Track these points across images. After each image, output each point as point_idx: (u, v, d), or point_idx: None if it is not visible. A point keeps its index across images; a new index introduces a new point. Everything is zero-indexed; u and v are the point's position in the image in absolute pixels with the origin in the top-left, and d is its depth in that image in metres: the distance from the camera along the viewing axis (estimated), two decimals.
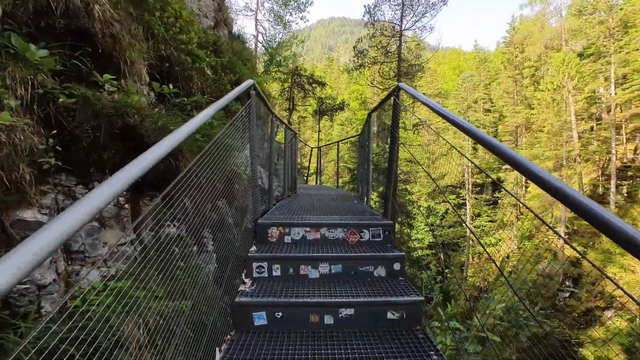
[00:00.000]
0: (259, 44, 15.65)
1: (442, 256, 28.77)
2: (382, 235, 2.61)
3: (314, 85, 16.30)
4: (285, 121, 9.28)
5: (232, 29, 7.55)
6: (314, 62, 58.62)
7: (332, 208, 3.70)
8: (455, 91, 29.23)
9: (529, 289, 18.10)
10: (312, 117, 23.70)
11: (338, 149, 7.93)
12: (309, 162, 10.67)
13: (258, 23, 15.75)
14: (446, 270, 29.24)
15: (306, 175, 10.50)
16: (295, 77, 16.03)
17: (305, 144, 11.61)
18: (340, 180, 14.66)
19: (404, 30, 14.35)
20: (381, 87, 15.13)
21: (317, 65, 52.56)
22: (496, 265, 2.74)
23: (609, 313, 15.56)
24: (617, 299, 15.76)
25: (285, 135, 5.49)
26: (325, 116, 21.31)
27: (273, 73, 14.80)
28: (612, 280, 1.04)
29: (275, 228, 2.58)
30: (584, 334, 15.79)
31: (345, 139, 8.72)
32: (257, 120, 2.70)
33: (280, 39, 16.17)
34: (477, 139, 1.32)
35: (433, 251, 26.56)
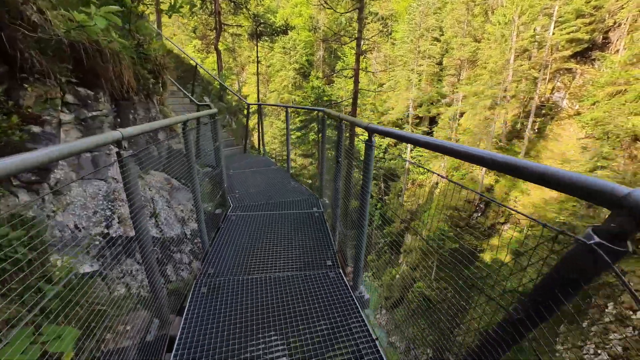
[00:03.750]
0: None
1: (381, 185, 31.66)
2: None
3: None
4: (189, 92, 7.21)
5: None
6: None
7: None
8: (408, 15, 27.24)
9: (451, 213, 21.46)
10: (248, 40, 19.72)
11: (287, 116, 5.78)
12: (247, 121, 8.37)
13: None
14: (385, 197, 32.81)
15: (244, 141, 8.38)
16: None
17: (240, 99, 8.97)
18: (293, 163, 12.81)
19: None
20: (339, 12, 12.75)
21: None
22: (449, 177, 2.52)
23: (505, 226, 19.80)
24: (513, 216, 19.90)
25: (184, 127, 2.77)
26: (265, 38, 17.84)
27: None
28: (509, 208, 1.24)
29: None
30: (486, 243, 20.20)
31: (296, 107, 6.51)
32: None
33: None
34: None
35: (375, 181, 28.73)
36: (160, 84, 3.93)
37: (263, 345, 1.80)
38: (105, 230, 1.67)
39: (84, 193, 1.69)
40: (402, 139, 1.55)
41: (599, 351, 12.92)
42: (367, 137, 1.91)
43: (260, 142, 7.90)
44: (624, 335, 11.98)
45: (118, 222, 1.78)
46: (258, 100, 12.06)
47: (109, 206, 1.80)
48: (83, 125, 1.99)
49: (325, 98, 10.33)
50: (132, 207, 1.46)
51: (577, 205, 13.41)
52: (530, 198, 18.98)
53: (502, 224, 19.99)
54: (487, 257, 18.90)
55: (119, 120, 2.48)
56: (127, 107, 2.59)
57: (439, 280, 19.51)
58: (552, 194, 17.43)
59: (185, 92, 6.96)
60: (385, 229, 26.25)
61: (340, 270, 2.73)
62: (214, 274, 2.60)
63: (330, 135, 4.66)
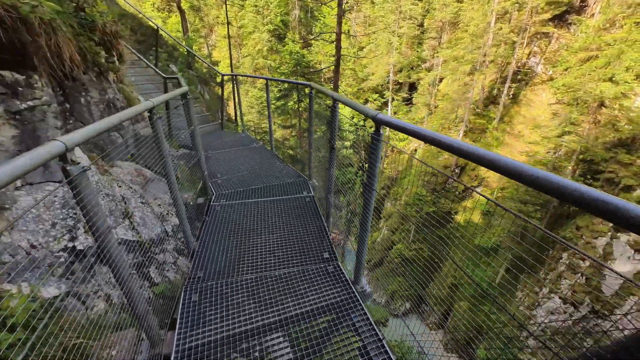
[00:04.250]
0: None
1: (362, 153, 31.82)
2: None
3: None
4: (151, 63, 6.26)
5: None
6: None
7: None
8: None
9: (429, 179, 22.21)
10: None
11: (268, 90, 5.31)
12: (222, 93, 7.42)
13: None
14: (365, 165, 33.17)
15: (221, 115, 7.49)
16: None
17: (212, 69, 7.63)
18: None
19: None
20: None
21: None
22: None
23: (478, 189, 20.94)
24: (485, 179, 21.00)
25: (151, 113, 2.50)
26: None
27: None
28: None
29: None
30: (459, 205, 21.42)
31: (278, 79, 5.61)
32: None
33: None
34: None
35: (355, 150, 28.76)
36: (116, 57, 3.33)
37: (266, 351, 1.75)
38: (70, 244, 1.46)
39: (34, 202, 1.44)
40: (415, 135, 1.33)
41: (552, 295, 14.69)
42: (372, 127, 1.74)
43: (239, 116, 7.25)
44: (574, 281, 13.65)
45: (85, 231, 1.57)
46: (231, 69, 11.08)
47: (71, 214, 1.56)
48: (18, 120, 1.65)
49: (304, 64, 9.65)
50: (92, 226, 1.17)
51: (544, 169, 14.23)
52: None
53: (476, 187, 21.12)
54: (460, 218, 20.18)
55: (67, 106, 2.10)
56: (75, 90, 2.18)
57: (416, 242, 20.78)
58: (522, 158, 18.38)
59: (147, 62, 6.14)
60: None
61: (339, 263, 2.64)
62: (204, 277, 2.40)
63: (318, 109, 4.41)
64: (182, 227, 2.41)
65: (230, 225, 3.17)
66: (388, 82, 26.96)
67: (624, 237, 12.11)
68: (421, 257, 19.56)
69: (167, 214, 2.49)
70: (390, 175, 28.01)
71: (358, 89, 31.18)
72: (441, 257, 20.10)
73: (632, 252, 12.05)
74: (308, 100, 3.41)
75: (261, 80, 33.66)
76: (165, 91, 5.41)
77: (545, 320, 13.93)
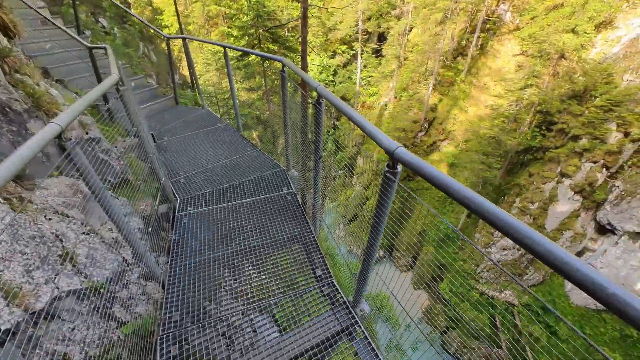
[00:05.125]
0: None
1: (333, 111, 31.02)
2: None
3: None
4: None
5: None
6: None
7: None
8: None
9: (399, 134, 22.58)
10: None
11: (227, 60, 4.30)
12: (170, 60, 5.76)
13: None
14: (336, 123, 32.73)
15: (172, 84, 6.06)
16: None
17: (156, 31, 5.70)
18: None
19: None
20: None
21: None
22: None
23: (445, 142, 21.90)
24: (451, 132, 21.86)
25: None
26: None
27: None
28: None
29: None
30: (427, 158, 22.47)
31: (240, 49, 4.15)
32: None
33: None
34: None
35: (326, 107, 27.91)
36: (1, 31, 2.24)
37: None
38: None
39: None
40: (440, 187, 1.08)
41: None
42: (388, 163, 1.35)
43: (196, 88, 5.99)
44: (523, 221, 15.57)
45: (8, 305, 1.19)
46: (180, 27, 9.29)
47: None
48: None
49: (265, 15, 8.44)
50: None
51: (505, 122, 15.03)
52: (467, 115, 20.71)
53: (442, 140, 22.03)
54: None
55: None
56: None
57: None
58: (487, 111, 19.16)
59: (60, 26, 4.24)
60: (338, 154, 27.11)
61: (335, 282, 2.35)
62: (180, 320, 2.00)
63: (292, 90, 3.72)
64: (144, 261, 1.93)
65: (203, 244, 2.67)
66: (357, 32, 25.36)
67: (567, 181, 13.72)
68: (392, 210, 20.82)
69: (123, 236, 2.01)
70: (362, 133, 28.00)
71: (325, 40, 29.10)
72: (411, 208, 21.55)
73: (572, 193, 13.81)
74: (280, 80, 2.79)
75: (220, 29, 29.74)
76: (94, 65, 4.10)
77: (498, 257, 16.11)
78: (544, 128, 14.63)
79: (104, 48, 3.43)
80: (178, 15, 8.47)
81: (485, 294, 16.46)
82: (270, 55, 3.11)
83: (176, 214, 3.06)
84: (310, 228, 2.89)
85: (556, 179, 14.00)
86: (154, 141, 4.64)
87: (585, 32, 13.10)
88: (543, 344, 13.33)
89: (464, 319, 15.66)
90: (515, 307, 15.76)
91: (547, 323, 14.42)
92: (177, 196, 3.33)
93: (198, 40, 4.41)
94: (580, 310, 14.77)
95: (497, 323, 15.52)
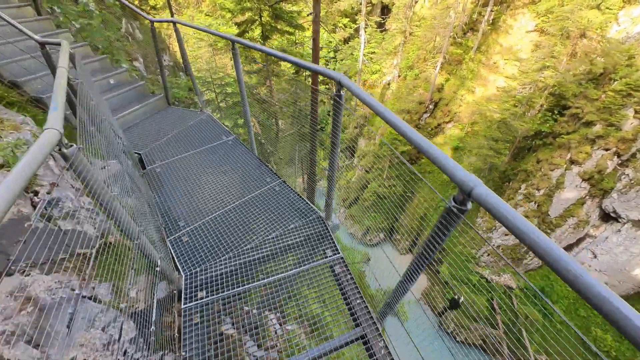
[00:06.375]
0: None
1: (334, 89, 29.77)
2: None
3: None
4: None
5: None
6: None
7: None
8: None
9: (403, 117, 21.82)
10: None
11: (237, 58, 2.98)
12: (157, 50, 4.48)
13: None
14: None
15: (163, 84, 4.94)
16: None
17: (137, 12, 4.30)
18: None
19: None
20: None
21: None
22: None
23: (450, 125, 21.25)
24: (457, 114, 21.16)
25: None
26: None
27: None
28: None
29: None
30: (432, 141, 21.88)
31: (263, 49, 2.59)
32: None
33: None
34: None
35: (327, 86, 26.73)
36: None
37: None
38: None
39: None
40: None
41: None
42: (456, 197, 1.15)
43: (191, 81, 4.70)
44: (527, 208, 15.46)
45: None
46: (170, 10, 7.91)
47: None
48: None
49: None
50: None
51: (517, 106, 14.39)
52: (474, 96, 19.90)
53: (447, 123, 21.36)
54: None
55: None
56: None
57: (389, 178, 21.57)
58: (495, 93, 18.36)
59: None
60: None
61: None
62: None
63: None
64: None
65: None
66: (360, 4, 23.65)
67: (576, 168, 13.41)
68: (394, 193, 20.65)
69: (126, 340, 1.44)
70: (364, 114, 27.11)
71: (326, 12, 27.24)
72: (413, 192, 21.37)
73: (580, 181, 13.57)
74: (332, 106, 2.04)
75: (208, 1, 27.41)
76: (49, 65, 2.61)
77: (499, 242, 16.18)
78: (556, 112, 14.05)
79: (58, 44, 2.14)
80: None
81: (485, 277, 16.73)
82: (323, 69, 1.96)
83: (183, 305, 2.04)
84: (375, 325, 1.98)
85: (565, 166, 13.69)
86: (142, 167, 3.70)
87: (608, 8, 12.15)
88: (538, 327, 13.74)
89: (463, 301, 16.06)
90: (514, 290, 16.10)
91: (542, 306, 14.80)
92: (182, 270, 2.33)
93: (193, 28, 3.36)
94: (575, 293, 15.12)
95: (495, 305, 15.92)
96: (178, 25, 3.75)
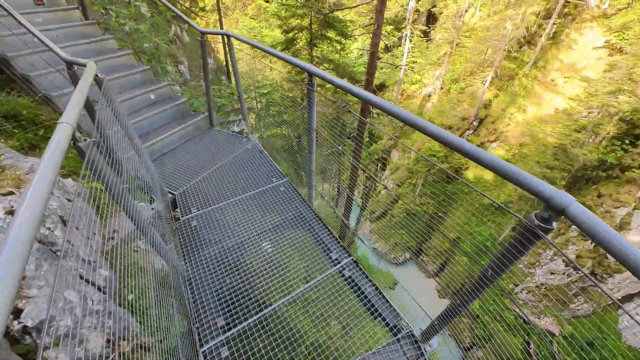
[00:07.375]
0: None
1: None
2: None
3: None
4: None
5: None
6: None
7: None
8: None
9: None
10: None
11: (312, 95, 2.21)
12: (205, 67, 4.03)
13: None
14: (374, 112, 30.87)
15: (208, 103, 4.31)
16: None
17: (190, 24, 3.66)
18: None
19: None
20: None
21: None
22: None
23: (494, 144, 19.66)
24: (503, 133, 19.53)
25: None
26: None
27: None
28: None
29: None
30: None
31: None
32: None
33: None
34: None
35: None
36: None
37: None
38: None
39: None
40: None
41: (555, 257, 14.93)
42: (539, 215, 0.79)
43: (239, 100, 4.03)
44: (582, 247, 13.68)
45: None
46: (221, 23, 7.76)
47: None
48: None
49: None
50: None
51: (581, 132, 12.82)
52: (526, 115, 18.23)
53: (492, 142, 19.79)
54: (470, 174, 19.42)
55: None
56: None
57: (422, 196, 20.41)
58: (551, 114, 16.64)
59: (18, 17, 2.38)
60: (371, 146, 25.56)
61: None
62: None
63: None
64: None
65: None
66: (407, 11, 22.81)
67: None
68: (425, 212, 19.47)
69: None
70: (398, 125, 26.12)
71: (370, 18, 26.68)
72: (445, 212, 20.03)
73: None
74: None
75: (257, 2, 27.94)
76: (75, 85, 1.87)
77: (543, 280, 14.49)
78: (627, 142, 12.30)
79: (84, 65, 1.83)
80: (219, 7, 7.26)
81: (522, 317, 15.09)
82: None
83: None
84: None
85: (634, 204, 11.90)
86: (177, 216, 3.05)
87: None
88: None
89: (494, 339, 14.56)
90: (555, 337, 14.33)
91: None
92: None
93: (249, 44, 2.72)
94: (633, 352, 13.07)
95: (531, 351, 14.27)
96: (232, 39, 3.36)
